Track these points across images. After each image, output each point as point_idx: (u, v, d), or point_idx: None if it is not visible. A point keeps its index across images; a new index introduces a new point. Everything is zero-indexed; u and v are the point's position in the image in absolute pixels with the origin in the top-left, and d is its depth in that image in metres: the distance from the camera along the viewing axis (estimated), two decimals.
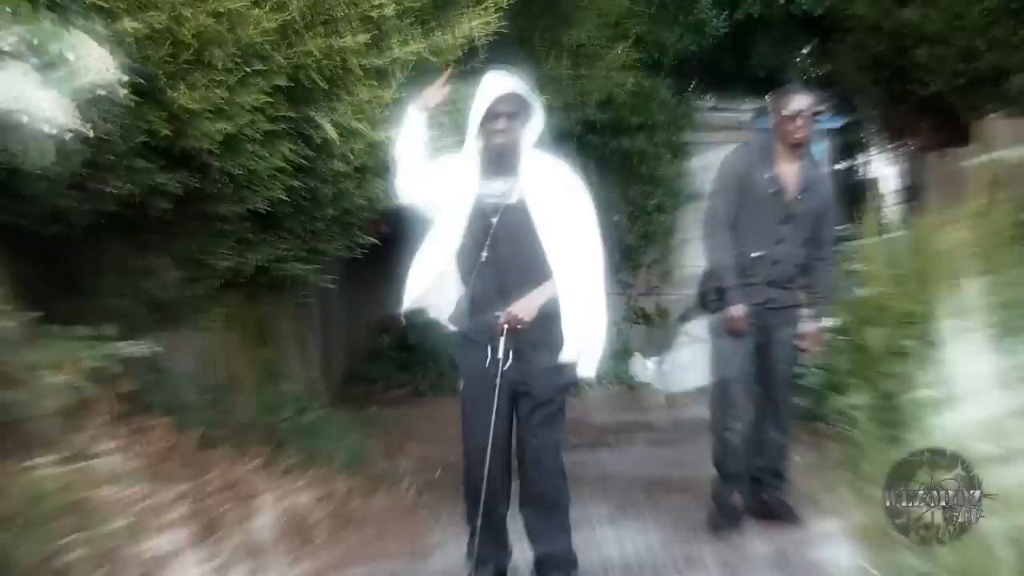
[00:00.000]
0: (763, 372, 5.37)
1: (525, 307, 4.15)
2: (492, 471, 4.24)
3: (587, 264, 4.20)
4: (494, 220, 4.19)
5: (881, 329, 6.75)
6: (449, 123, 4.88)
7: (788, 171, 5.22)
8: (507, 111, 4.17)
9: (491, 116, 4.16)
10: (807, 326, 5.33)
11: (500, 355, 4.19)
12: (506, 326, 4.17)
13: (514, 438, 4.40)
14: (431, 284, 4.24)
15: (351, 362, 10.98)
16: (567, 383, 4.37)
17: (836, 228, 5.45)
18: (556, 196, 4.20)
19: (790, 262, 5.24)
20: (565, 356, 4.20)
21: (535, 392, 4.29)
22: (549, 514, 4.44)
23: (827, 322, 5.48)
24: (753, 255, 5.22)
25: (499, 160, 4.22)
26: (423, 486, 6.46)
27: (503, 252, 4.21)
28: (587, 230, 4.20)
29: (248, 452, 5.85)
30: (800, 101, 5.20)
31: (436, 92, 4.32)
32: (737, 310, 5.18)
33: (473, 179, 4.24)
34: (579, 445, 7.95)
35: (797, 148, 5.21)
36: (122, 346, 4.40)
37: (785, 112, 5.18)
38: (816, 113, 5.28)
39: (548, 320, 4.20)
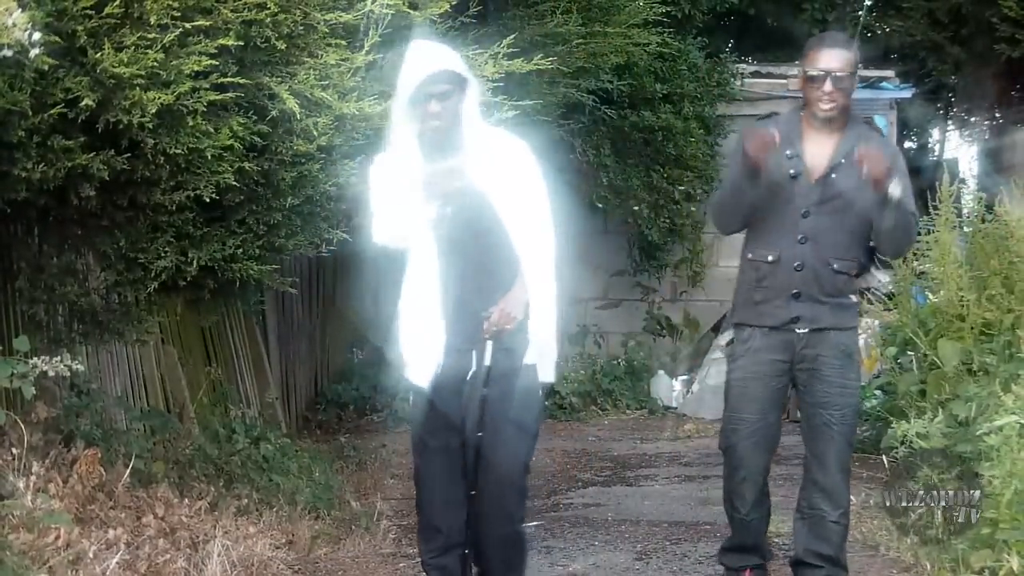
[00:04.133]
0: (804, 422, 4.93)
1: (515, 303, 4.34)
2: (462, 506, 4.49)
3: (543, 255, 4.41)
4: (448, 211, 4.34)
5: (957, 342, 6.76)
6: None
7: (817, 149, 4.76)
8: (439, 91, 4.31)
9: (422, 99, 4.31)
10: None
11: (487, 362, 4.36)
12: (493, 328, 4.34)
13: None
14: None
15: (317, 382, 10.98)
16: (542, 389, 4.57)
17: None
18: (510, 176, 4.41)
19: (823, 268, 4.76)
20: (532, 357, 4.44)
21: (513, 403, 4.44)
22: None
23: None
24: (768, 259, 4.80)
25: (440, 145, 4.37)
26: (403, 531, 6.45)
27: (466, 246, 4.39)
28: (541, 215, 4.44)
29: (192, 490, 5.85)
30: (831, 57, 4.66)
31: None
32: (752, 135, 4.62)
33: (415, 169, 4.37)
34: (592, 481, 7.94)
35: (831, 122, 4.74)
36: (37, 363, 4.38)
37: (810, 71, 4.68)
38: (854, 73, 4.69)
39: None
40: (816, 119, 4.73)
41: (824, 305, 4.77)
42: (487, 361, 4.36)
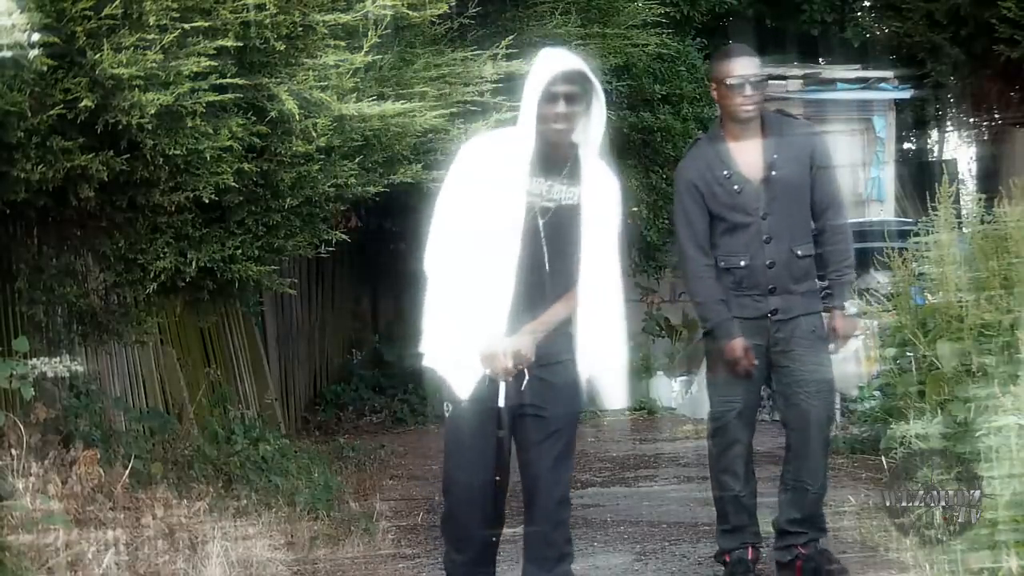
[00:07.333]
0: (783, 401, 5.24)
1: (528, 342, 4.16)
2: (488, 513, 4.28)
3: (612, 281, 4.31)
4: (542, 223, 4.20)
5: (955, 343, 6.74)
6: None
7: (747, 154, 5.10)
8: (569, 92, 4.09)
9: (549, 97, 4.09)
10: (833, 317, 5.17)
11: (501, 403, 4.16)
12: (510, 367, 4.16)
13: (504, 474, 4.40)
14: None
15: (316, 383, 10.98)
16: (581, 408, 4.42)
17: (835, 184, 5.23)
18: (602, 203, 4.29)
19: (791, 258, 5.10)
20: (583, 374, 4.29)
21: (549, 417, 4.27)
22: (554, 570, 4.43)
23: (852, 308, 5.26)
24: (741, 264, 5.10)
25: (556, 155, 4.22)
26: (402, 531, 6.45)
27: (550, 261, 4.24)
28: (613, 242, 4.33)
29: (191, 491, 5.84)
30: (745, 64, 5.04)
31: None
32: (736, 346, 5.02)
33: (522, 174, 4.19)
34: (591, 482, 7.94)
35: (748, 123, 5.08)
36: (36, 364, 4.38)
37: (729, 80, 5.02)
38: (764, 79, 5.12)
39: (564, 330, 4.26)
40: (737, 124, 5.09)
41: (795, 295, 5.12)
42: (500, 403, 4.16)
